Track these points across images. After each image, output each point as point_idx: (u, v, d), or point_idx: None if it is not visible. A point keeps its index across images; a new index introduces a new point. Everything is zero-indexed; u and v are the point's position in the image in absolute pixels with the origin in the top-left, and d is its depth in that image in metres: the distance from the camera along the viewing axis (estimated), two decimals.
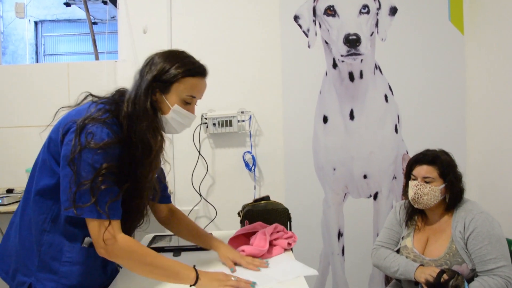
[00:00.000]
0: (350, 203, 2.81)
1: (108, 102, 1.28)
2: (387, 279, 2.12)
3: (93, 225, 1.21)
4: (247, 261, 1.56)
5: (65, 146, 1.20)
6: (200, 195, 2.70)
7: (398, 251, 1.99)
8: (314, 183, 2.79)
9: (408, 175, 1.97)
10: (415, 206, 1.91)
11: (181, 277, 1.32)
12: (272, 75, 2.77)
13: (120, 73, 2.74)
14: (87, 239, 1.30)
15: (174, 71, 1.30)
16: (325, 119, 2.77)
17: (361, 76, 2.76)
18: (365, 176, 2.79)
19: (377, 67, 2.77)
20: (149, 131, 1.26)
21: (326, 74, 2.76)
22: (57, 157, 1.24)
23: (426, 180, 1.86)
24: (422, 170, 1.89)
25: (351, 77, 2.75)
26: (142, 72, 1.32)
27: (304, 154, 2.79)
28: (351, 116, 2.76)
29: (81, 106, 1.30)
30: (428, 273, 1.73)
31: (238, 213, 2.26)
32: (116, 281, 1.43)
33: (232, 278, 1.41)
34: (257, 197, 2.40)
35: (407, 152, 2.78)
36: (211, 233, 1.92)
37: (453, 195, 1.87)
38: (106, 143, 1.19)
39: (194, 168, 2.74)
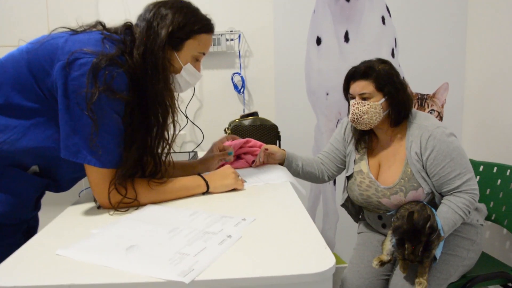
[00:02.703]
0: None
1: (122, 42, 1.17)
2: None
3: (98, 175, 1.15)
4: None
5: (72, 81, 1.07)
6: (187, 117, 2.58)
7: (350, 177, 1.86)
8: (305, 108, 2.69)
9: (346, 95, 1.79)
10: (358, 127, 1.74)
11: (192, 191, 1.31)
12: None
13: None
14: (34, 168, 1.21)
15: (191, 27, 1.23)
16: (318, 41, 2.63)
17: None
18: None
19: None
20: (166, 92, 1.19)
21: None
22: (41, 81, 1.11)
23: (363, 97, 1.68)
24: (357, 87, 1.70)
25: None
26: (150, 23, 1.20)
27: (295, 77, 2.66)
28: (346, 38, 2.63)
29: (89, 33, 1.17)
30: None
31: (225, 130, 2.17)
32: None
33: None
34: None
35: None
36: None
37: (396, 108, 1.69)
38: (123, 97, 1.12)
39: None
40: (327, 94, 2.67)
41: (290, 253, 0.88)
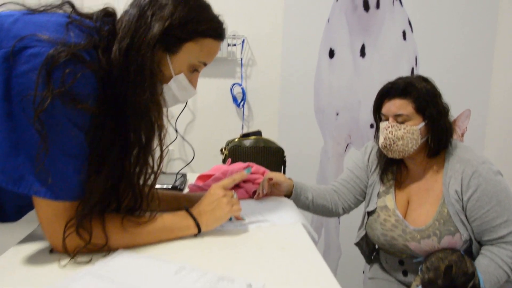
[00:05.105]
0: (352, 155, 2.43)
1: (96, 32, 0.89)
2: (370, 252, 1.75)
3: (50, 209, 0.85)
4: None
5: (16, 78, 0.79)
6: (177, 131, 2.27)
7: (372, 213, 1.58)
8: (312, 129, 2.42)
9: (377, 115, 1.53)
10: (389, 155, 1.47)
11: (178, 233, 1.02)
12: None
13: None
14: None
15: (194, 26, 0.95)
16: (331, 53, 2.37)
17: (377, 5, 2.36)
18: (372, 126, 2.41)
19: None
20: (153, 105, 0.90)
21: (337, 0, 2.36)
22: None
23: (399, 120, 1.43)
24: (392, 106, 1.44)
25: (366, 5, 2.35)
26: (143, 11, 0.91)
27: (303, 92, 2.41)
28: (362, 53, 2.37)
29: (50, 15, 0.89)
30: None
31: (221, 150, 1.87)
32: None
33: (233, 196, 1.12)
34: None
35: None
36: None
37: (437, 136, 1.44)
38: (86, 108, 0.83)
39: None
40: (337, 114, 2.41)
41: None
